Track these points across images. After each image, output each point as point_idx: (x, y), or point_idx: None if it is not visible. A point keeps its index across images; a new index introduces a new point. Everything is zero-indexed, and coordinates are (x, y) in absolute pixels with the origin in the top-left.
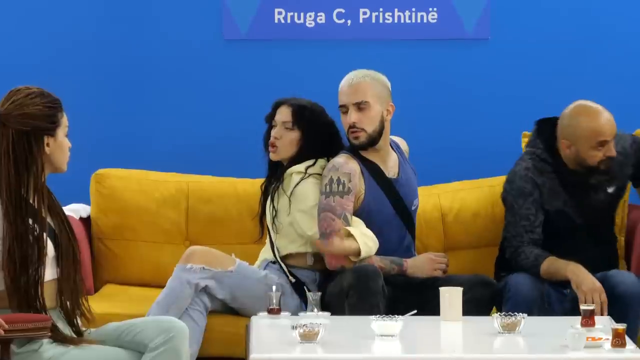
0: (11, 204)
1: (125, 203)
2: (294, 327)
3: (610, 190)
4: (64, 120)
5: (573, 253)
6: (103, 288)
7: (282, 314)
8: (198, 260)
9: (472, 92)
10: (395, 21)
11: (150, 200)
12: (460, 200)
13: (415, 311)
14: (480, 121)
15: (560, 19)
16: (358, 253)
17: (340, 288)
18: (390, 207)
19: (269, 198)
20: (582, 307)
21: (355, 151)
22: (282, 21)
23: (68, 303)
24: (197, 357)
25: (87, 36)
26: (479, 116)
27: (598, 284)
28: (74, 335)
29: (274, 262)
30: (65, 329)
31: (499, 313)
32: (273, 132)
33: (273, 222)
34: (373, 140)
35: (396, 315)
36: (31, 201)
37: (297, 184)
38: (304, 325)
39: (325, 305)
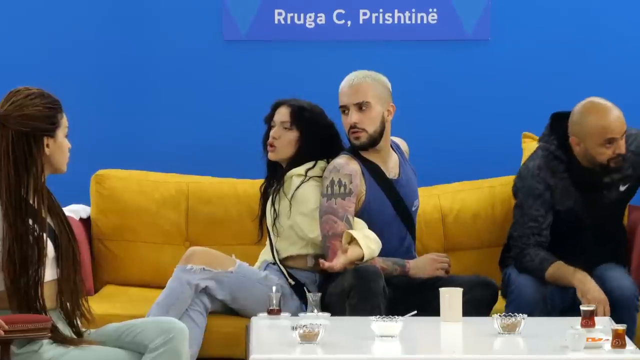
0: (11, 204)
1: (125, 204)
2: (294, 328)
3: (622, 188)
4: (64, 121)
5: (578, 249)
6: (103, 289)
7: (282, 314)
8: (198, 261)
9: (472, 93)
10: (395, 22)
11: (150, 201)
12: (460, 201)
13: (415, 312)
14: (480, 122)
15: (560, 19)
16: (362, 258)
17: (342, 289)
18: (391, 208)
19: (270, 201)
20: (582, 307)
21: (355, 152)
22: (282, 22)
23: (68, 304)
24: (197, 358)
25: (87, 37)
26: (479, 117)
27: (603, 295)
28: (74, 336)
29: (274, 263)
30: (65, 329)
31: (499, 314)
32: (272, 132)
33: (274, 225)
34: (374, 141)
35: (396, 316)
36: (31, 202)
37: (298, 187)
38: (304, 326)
39: (326, 306)
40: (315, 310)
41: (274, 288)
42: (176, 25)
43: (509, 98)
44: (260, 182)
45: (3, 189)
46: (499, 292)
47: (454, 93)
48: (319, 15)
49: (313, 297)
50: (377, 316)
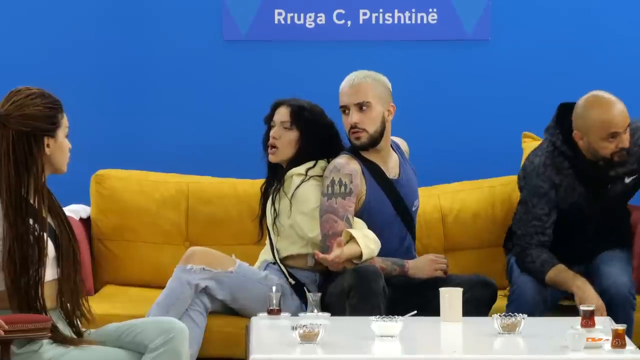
0: (11, 204)
1: (125, 204)
2: (294, 328)
3: (627, 180)
4: (64, 121)
5: (581, 239)
6: (103, 289)
7: (282, 314)
8: (198, 261)
9: (472, 93)
10: (395, 22)
11: (150, 201)
12: (460, 201)
13: (415, 312)
14: (480, 122)
15: (560, 19)
16: (360, 256)
17: (341, 289)
18: (391, 208)
19: (270, 200)
20: (582, 307)
21: (356, 152)
22: (282, 22)
23: (68, 304)
24: (197, 358)
25: (87, 37)
26: (479, 117)
27: (601, 302)
28: (74, 336)
29: (274, 263)
30: (65, 329)
31: (499, 314)
32: (272, 133)
33: (274, 224)
34: (374, 141)
35: (396, 316)
36: (31, 202)
37: (298, 186)
38: (304, 326)
39: (326, 306)
40: (315, 310)
41: (274, 288)
42: (176, 25)
43: (509, 98)
44: (260, 182)
45: (3, 189)
46: (506, 276)
47: (454, 93)
48: (319, 15)
49: (313, 297)
50: (377, 316)
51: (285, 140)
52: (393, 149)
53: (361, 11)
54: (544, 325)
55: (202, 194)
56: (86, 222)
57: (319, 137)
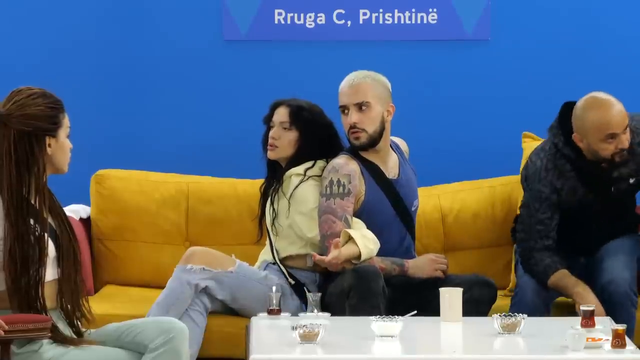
0: (12, 204)
1: (125, 204)
2: (294, 328)
3: (632, 181)
4: (66, 121)
5: (586, 236)
6: (103, 289)
7: (282, 314)
8: (198, 261)
9: (472, 93)
10: (395, 22)
11: (150, 201)
12: (460, 201)
13: (415, 312)
14: (481, 122)
15: (560, 19)
16: (359, 256)
17: (341, 289)
18: (391, 208)
19: (269, 200)
20: (582, 307)
21: (355, 152)
22: (282, 22)
23: (68, 304)
24: (197, 358)
25: (87, 37)
26: (479, 117)
27: (601, 308)
28: (74, 336)
29: (273, 263)
30: (65, 329)
31: (499, 314)
32: (271, 133)
33: (273, 225)
34: (374, 141)
35: (396, 316)
36: (32, 202)
37: (297, 186)
38: (304, 326)
39: (325, 306)
40: (315, 310)
41: (274, 288)
42: (176, 25)
43: (509, 98)
44: (260, 182)
45: (5, 189)
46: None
47: (454, 93)
48: (319, 15)
49: (313, 297)
50: (377, 316)
51: (284, 141)
52: (392, 148)
53: (361, 11)
54: (544, 325)
55: (202, 194)
56: (86, 222)
57: (318, 137)
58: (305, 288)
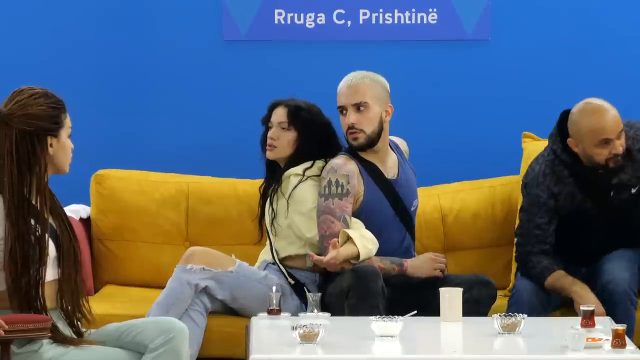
0: (14, 204)
1: (125, 204)
2: (294, 328)
3: (634, 190)
4: (67, 121)
5: (585, 242)
6: (103, 289)
7: (282, 314)
8: (198, 261)
9: (472, 93)
10: (395, 22)
11: (150, 201)
12: (460, 201)
13: (415, 312)
14: (480, 122)
15: (560, 19)
16: (357, 256)
17: (340, 289)
18: (390, 208)
19: (268, 200)
20: (582, 307)
21: (353, 152)
22: (282, 22)
23: (69, 304)
24: (197, 358)
25: (87, 37)
26: (479, 117)
27: (601, 308)
28: (74, 336)
29: (273, 263)
30: (65, 329)
31: (499, 314)
32: (270, 133)
33: (272, 225)
34: (372, 142)
35: (396, 316)
36: (33, 202)
37: (295, 186)
38: (304, 326)
39: (325, 306)
40: (315, 310)
41: (274, 288)
42: (176, 25)
43: (509, 98)
44: (260, 182)
45: (6, 188)
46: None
47: (454, 93)
48: (319, 15)
49: (313, 297)
50: (377, 316)
51: (283, 141)
52: (392, 148)
53: (361, 11)
54: (544, 325)
55: (202, 194)
56: (86, 222)
57: (317, 137)
58: (305, 288)
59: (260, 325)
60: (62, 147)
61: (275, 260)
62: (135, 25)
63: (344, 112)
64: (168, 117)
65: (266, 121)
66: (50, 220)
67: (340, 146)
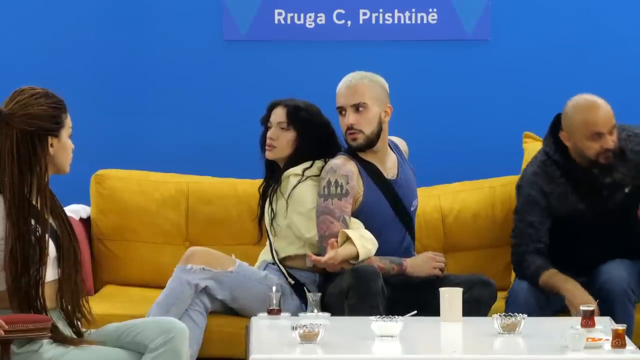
0: (14, 204)
1: (125, 204)
2: (294, 328)
3: (627, 190)
4: (68, 122)
5: (584, 248)
6: (103, 289)
7: (282, 314)
8: (198, 261)
9: (472, 93)
10: (395, 22)
11: (150, 201)
12: (460, 201)
13: (415, 312)
14: (481, 122)
15: (561, 20)
16: (356, 257)
17: (340, 289)
18: (389, 209)
19: (267, 200)
20: (582, 307)
21: (353, 152)
22: (282, 22)
23: (69, 304)
24: (197, 358)
25: (87, 37)
26: (479, 117)
27: (589, 297)
28: (74, 336)
29: (273, 263)
30: (65, 329)
31: (499, 314)
32: (269, 133)
33: (271, 225)
34: (371, 142)
35: (396, 316)
36: (34, 202)
37: (295, 186)
38: (304, 326)
39: (325, 306)
40: (315, 310)
41: (274, 288)
42: (176, 25)
43: (509, 98)
44: (260, 182)
45: (7, 188)
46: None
47: (454, 93)
48: (319, 15)
49: (313, 297)
50: (377, 316)
51: (283, 141)
52: (391, 148)
53: (361, 11)
54: (544, 325)
55: (202, 194)
56: (86, 222)
57: (316, 137)
58: (305, 288)
59: (260, 325)
60: (63, 147)
61: (275, 260)
62: (135, 25)
63: (343, 112)
64: (168, 117)
65: (265, 121)
66: (51, 221)
67: (339, 146)
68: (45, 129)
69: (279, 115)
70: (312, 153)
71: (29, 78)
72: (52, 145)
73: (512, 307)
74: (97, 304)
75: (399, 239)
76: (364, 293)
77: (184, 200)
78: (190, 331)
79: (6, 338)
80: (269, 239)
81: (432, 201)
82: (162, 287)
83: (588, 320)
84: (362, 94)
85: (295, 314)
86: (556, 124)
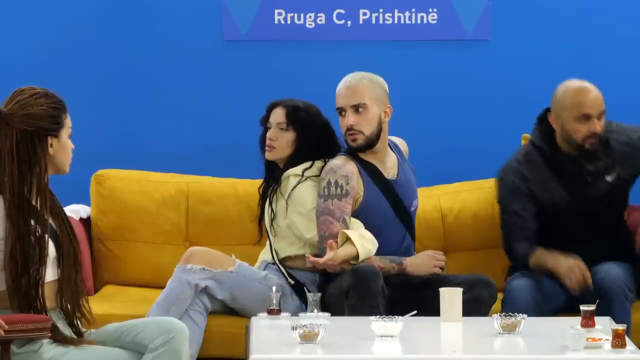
0: (14, 204)
1: (125, 204)
2: (294, 328)
3: (609, 179)
4: (68, 122)
5: (572, 243)
6: (103, 289)
7: (282, 314)
8: (198, 261)
9: (472, 93)
10: (395, 22)
11: (150, 201)
12: (460, 202)
13: (415, 312)
14: (480, 122)
15: (561, 20)
16: (356, 257)
17: (340, 289)
18: (390, 209)
19: (267, 201)
20: (582, 307)
21: (353, 153)
22: (282, 22)
23: (68, 304)
24: (197, 358)
25: (87, 37)
26: (479, 117)
27: (572, 261)
28: (74, 336)
29: (273, 264)
30: (65, 329)
31: (499, 314)
32: (269, 134)
33: (271, 225)
34: (371, 143)
35: (396, 316)
36: (34, 202)
37: (295, 187)
38: (304, 326)
39: (325, 306)
40: (315, 310)
41: (274, 288)
42: (176, 25)
43: (509, 98)
44: (260, 182)
45: (7, 189)
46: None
47: (454, 93)
48: (319, 15)
49: (313, 297)
50: (377, 316)
51: (282, 142)
52: (391, 149)
53: (361, 11)
54: (544, 325)
55: (202, 194)
56: (86, 222)
57: (316, 137)
58: (305, 288)
59: (260, 325)
60: (63, 147)
61: (275, 260)
62: (135, 25)
63: (343, 113)
64: (168, 117)
65: (265, 122)
66: (50, 221)
67: (339, 146)
68: (45, 129)
69: (278, 115)
70: (311, 153)
71: (29, 78)
72: (51, 145)
73: (510, 307)
74: (97, 304)
75: (399, 239)
76: (364, 293)
77: (184, 200)
78: (190, 331)
79: (6, 338)
80: (269, 239)
81: (432, 201)
82: (162, 287)
83: (588, 320)
84: (362, 95)
85: (295, 314)
86: (543, 117)
